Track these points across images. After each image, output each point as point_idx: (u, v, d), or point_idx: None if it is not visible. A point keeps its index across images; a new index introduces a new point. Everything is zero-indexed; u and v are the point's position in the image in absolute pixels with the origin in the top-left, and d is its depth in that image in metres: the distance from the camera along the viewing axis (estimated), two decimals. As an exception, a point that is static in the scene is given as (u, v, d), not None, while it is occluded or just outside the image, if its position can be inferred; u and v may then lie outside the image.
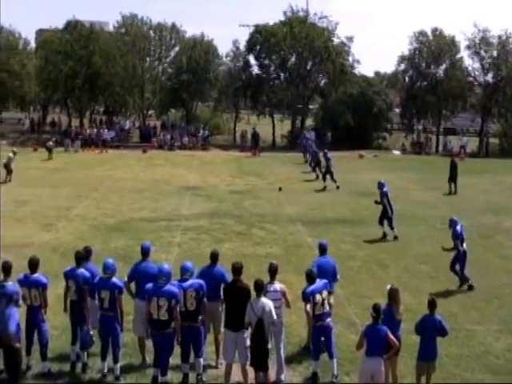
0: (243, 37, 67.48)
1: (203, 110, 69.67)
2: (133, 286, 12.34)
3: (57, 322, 13.50)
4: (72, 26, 62.43)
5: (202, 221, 24.73)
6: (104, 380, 11.64)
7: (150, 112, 69.67)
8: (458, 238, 17.02)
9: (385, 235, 22.56)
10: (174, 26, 64.06)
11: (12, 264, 11.87)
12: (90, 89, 61.69)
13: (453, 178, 32.37)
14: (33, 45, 70.01)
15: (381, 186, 22.93)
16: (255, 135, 56.00)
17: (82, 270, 12.04)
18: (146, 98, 64.69)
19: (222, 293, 11.86)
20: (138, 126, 63.75)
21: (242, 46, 63.40)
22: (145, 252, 12.62)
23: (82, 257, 12.28)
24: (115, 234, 22.27)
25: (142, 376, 11.75)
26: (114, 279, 11.70)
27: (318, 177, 35.34)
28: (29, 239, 20.96)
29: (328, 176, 32.96)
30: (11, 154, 34.00)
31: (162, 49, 64.33)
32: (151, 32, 63.91)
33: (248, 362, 11.18)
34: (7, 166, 33.24)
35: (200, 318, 11.49)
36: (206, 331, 12.02)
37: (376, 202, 23.10)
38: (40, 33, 78.46)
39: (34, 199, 28.22)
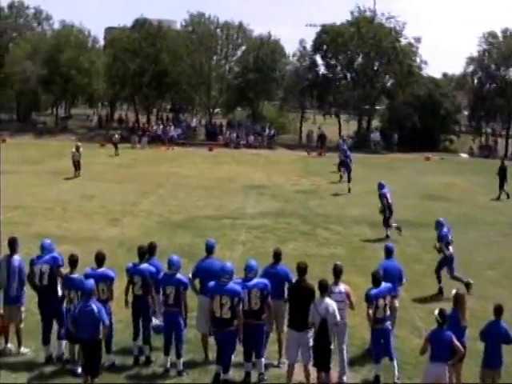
0: (310, 36, 67.42)
1: (269, 109, 69.66)
2: (197, 282, 12.39)
3: (121, 315, 13.62)
4: (140, 24, 63.31)
5: (267, 220, 24.74)
6: (167, 375, 11.72)
7: (217, 110, 70.07)
8: (442, 240, 16.72)
9: (388, 236, 22.34)
10: (241, 24, 64.33)
11: (78, 257, 12.10)
12: (157, 86, 62.41)
13: (501, 181, 31.62)
14: (101, 43, 71.21)
15: (380, 186, 22.97)
16: (322, 135, 55.82)
17: (146, 265, 12.17)
18: (212, 96, 65.11)
19: (285, 292, 11.85)
20: (204, 124, 64.19)
21: (309, 45, 63.29)
22: (209, 249, 12.66)
23: (145, 252, 12.39)
24: (180, 231, 22.47)
25: (205, 372, 11.77)
26: (179, 275, 11.77)
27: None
28: (95, 233, 21.31)
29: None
30: (74, 150, 34.42)
31: (228, 47, 64.71)
32: (218, 31, 64.28)
33: (311, 362, 11.13)
34: (74, 162, 33.74)
35: (263, 316, 11.48)
36: (269, 330, 12.03)
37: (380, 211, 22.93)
38: (108, 31, 79.71)
39: (101, 194, 28.67)
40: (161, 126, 57.64)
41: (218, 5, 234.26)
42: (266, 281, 11.46)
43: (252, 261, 11.82)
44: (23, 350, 12.61)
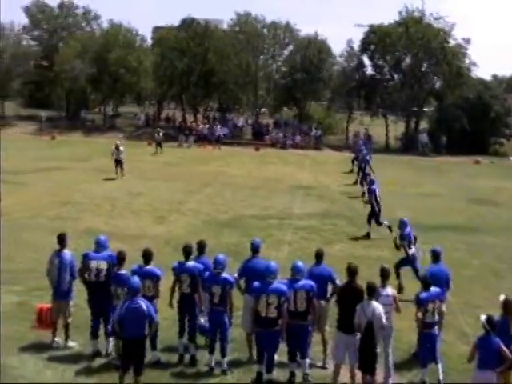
0: (357, 36, 67.02)
1: (316, 109, 69.44)
2: (242, 282, 12.43)
3: (167, 313, 13.69)
4: (187, 23, 63.61)
5: (313, 220, 24.67)
6: (211, 373, 11.75)
7: (263, 110, 70.12)
8: (404, 239, 16.84)
9: (368, 235, 22.32)
10: (288, 24, 64.26)
11: (126, 254, 12.21)
12: (204, 85, 62.68)
13: None
14: (149, 42, 71.75)
15: (371, 182, 23.24)
16: (367, 137, 55.49)
17: (194, 263, 12.22)
18: (259, 96, 65.18)
19: (328, 292, 11.97)
20: (250, 124, 64.23)
21: (356, 45, 62.89)
22: (255, 249, 12.70)
23: (191, 251, 12.41)
24: (227, 230, 22.56)
25: (249, 372, 11.76)
26: (225, 274, 11.81)
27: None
28: (142, 231, 21.50)
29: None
30: (114, 148, 33.99)
31: (275, 47, 64.68)
32: (265, 30, 64.31)
33: (357, 365, 11.07)
34: (116, 161, 33.39)
35: (309, 317, 11.45)
36: (313, 331, 12.01)
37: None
38: (156, 30, 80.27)
39: (148, 192, 28.88)
40: (207, 125, 57.86)
41: (265, 4, 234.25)
42: (312, 282, 11.44)
43: (299, 262, 11.80)
44: (70, 344, 12.78)
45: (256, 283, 11.35)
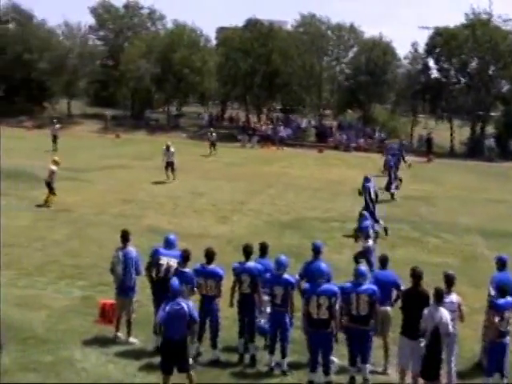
0: (422, 39, 66.16)
1: (381, 111, 68.84)
2: (303, 283, 12.35)
3: (228, 312, 13.73)
4: (252, 24, 63.79)
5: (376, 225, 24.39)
6: (271, 374, 11.74)
7: (327, 112, 69.85)
8: (362, 231, 17.45)
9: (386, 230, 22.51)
10: (352, 26, 63.91)
11: (190, 252, 12.27)
12: (268, 86, 62.78)
13: None
14: (213, 42, 72.21)
15: (366, 180, 23.33)
16: (428, 139, 54.68)
17: (254, 263, 12.25)
18: (323, 98, 64.98)
19: (392, 297, 11.87)
20: (314, 125, 64.05)
21: (422, 48, 62.07)
22: (316, 251, 12.63)
23: (251, 251, 12.43)
24: (289, 231, 22.52)
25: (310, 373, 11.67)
26: (287, 275, 11.78)
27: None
28: (205, 230, 21.63)
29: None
30: (164, 148, 32.81)
31: (339, 49, 64.42)
32: (329, 32, 64.08)
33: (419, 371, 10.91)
34: (167, 162, 32.22)
35: (371, 322, 11.33)
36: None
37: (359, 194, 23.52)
38: (220, 30, 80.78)
39: (211, 192, 29.02)
40: (271, 126, 57.91)
41: (330, 6, 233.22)
42: (374, 287, 11.35)
43: (362, 266, 11.71)
44: (132, 339, 12.92)
45: (306, 284, 11.38)
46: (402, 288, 11.83)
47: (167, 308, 10.66)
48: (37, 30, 68.70)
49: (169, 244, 12.81)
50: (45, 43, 67.06)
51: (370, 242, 17.28)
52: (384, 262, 12.27)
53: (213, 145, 45.35)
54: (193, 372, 10.96)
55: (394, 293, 12.01)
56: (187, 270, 12.02)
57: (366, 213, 18.41)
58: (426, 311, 10.71)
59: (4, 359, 11.59)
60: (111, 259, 12.98)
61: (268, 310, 12.29)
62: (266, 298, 12.28)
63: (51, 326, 13.56)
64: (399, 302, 11.68)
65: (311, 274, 11.80)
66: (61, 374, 11.54)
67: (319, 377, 11.29)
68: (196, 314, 10.94)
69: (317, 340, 11.21)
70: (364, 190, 23.13)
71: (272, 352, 11.86)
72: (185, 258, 12.19)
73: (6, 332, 12.60)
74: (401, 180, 32.25)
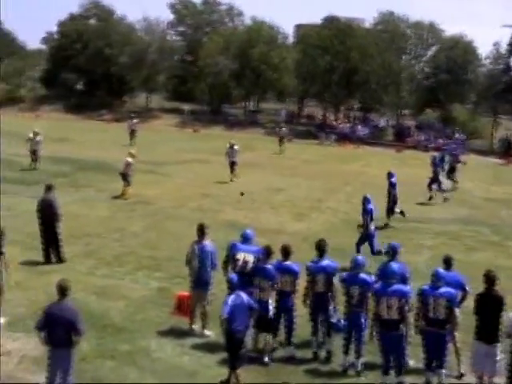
0: (505, 38, 64.59)
1: (461, 111, 67.54)
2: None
3: (303, 310, 13.69)
4: (330, 21, 63.52)
5: (454, 226, 24.01)
6: (345, 374, 11.66)
7: (405, 111, 68.97)
8: (367, 214, 17.95)
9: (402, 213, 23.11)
10: (431, 24, 62.88)
11: (272, 249, 12.28)
12: (346, 84, 62.45)
13: None
14: (291, 39, 72.19)
15: (390, 175, 23.61)
16: (509, 142, 53.40)
17: (328, 262, 12.20)
18: (401, 97, 64.16)
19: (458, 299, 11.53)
20: (392, 125, 63.36)
21: (504, 48, 60.60)
22: (393, 251, 12.46)
23: (325, 248, 12.37)
24: (365, 230, 22.23)
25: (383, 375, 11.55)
26: (363, 275, 11.67)
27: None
28: (282, 226, 21.64)
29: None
30: (228, 147, 31.77)
31: (419, 47, 63.53)
32: (408, 30, 63.21)
33: (495, 376, 10.66)
34: (232, 162, 31.16)
35: (447, 326, 11.11)
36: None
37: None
38: (299, 27, 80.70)
39: (288, 188, 28.99)
40: (348, 124, 57.57)
41: (409, 4, 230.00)
42: (453, 290, 11.11)
43: (441, 269, 11.48)
44: (206, 332, 13.01)
45: (376, 285, 11.19)
46: (468, 289, 11.69)
47: (230, 301, 10.76)
48: (117, 26, 70.26)
49: (246, 239, 12.84)
50: (125, 38, 68.49)
51: (372, 226, 18.03)
52: (448, 262, 12.01)
53: (281, 140, 44.59)
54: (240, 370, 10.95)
55: (460, 294, 11.73)
56: (269, 266, 12.00)
57: (368, 196, 18.67)
58: (505, 316, 10.46)
59: (83, 346, 11.83)
60: (187, 252, 13.10)
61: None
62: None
63: (128, 316, 13.80)
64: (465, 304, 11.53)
65: (384, 274, 11.66)
66: (137, 363, 11.73)
67: (392, 379, 11.14)
68: (254, 303, 11.07)
69: (388, 341, 11.06)
70: (391, 187, 23.41)
71: (346, 352, 11.76)
72: (267, 253, 12.18)
73: (86, 320, 12.85)
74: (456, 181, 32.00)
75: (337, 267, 12.13)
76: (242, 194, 26.04)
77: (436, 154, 32.34)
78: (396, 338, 10.98)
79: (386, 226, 22.80)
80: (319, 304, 12.15)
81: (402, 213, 23.29)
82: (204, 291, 13.01)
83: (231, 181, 30.44)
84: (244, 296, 10.90)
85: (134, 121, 44.62)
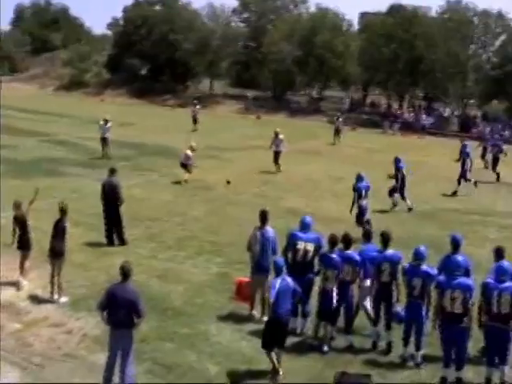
0: None
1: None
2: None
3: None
4: (395, 9, 62.77)
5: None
6: (404, 365, 11.56)
7: (471, 101, 67.71)
8: (355, 190, 19.45)
9: (394, 205, 23.00)
10: (499, 13, 61.53)
11: (338, 238, 12.24)
12: (410, 73, 61.65)
13: None
14: (356, 27, 71.62)
15: (397, 161, 23.65)
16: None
17: (393, 252, 12.07)
18: (467, 87, 63.00)
19: None
20: (457, 115, 62.30)
21: None
22: (456, 244, 12.23)
23: (389, 238, 12.21)
24: (427, 222, 21.98)
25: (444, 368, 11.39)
26: (425, 267, 11.53)
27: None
28: (343, 215, 21.42)
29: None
30: (273, 135, 30.34)
31: (486, 36, 62.18)
32: (475, 19, 61.96)
33: None
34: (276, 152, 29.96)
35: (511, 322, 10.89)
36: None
37: (389, 177, 24.14)
38: (363, 15, 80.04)
39: (349, 177, 28.53)
40: (412, 114, 56.83)
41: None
42: None
43: (505, 262, 11.24)
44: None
45: (441, 277, 11.02)
46: None
47: (277, 285, 10.79)
48: (182, 12, 70.58)
49: (304, 226, 12.78)
50: (189, 24, 68.89)
51: (364, 201, 19.13)
52: (499, 253, 11.70)
53: (337, 132, 42.46)
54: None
55: None
56: (334, 255, 11.94)
57: (363, 174, 19.88)
58: None
59: (143, 327, 11.99)
60: (249, 238, 13.13)
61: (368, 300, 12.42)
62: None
63: (188, 300, 13.92)
64: None
65: (448, 266, 11.44)
66: (196, 346, 11.83)
67: (452, 373, 10.98)
68: (298, 287, 11.14)
69: (450, 335, 10.89)
70: (398, 170, 23.54)
71: (406, 344, 11.66)
72: (332, 243, 12.12)
73: (146, 302, 13.02)
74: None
75: (402, 257, 12.00)
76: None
77: (467, 142, 31.24)
78: (459, 331, 10.81)
79: (394, 206, 23.60)
80: (383, 294, 12.05)
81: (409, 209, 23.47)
82: (264, 277, 13.03)
83: (278, 171, 29.47)
84: (289, 279, 10.95)
85: (197, 107, 44.65)
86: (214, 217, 20.87)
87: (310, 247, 12.47)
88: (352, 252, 12.15)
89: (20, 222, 14.08)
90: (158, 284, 14.78)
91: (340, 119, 43.97)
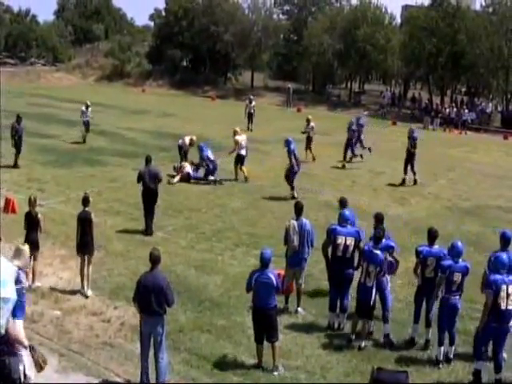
0: None
1: None
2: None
3: (402, 295, 13.52)
4: (438, 3, 61.97)
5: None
6: (440, 363, 11.42)
7: (515, 97, 66.66)
8: (290, 153, 22.25)
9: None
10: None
11: (382, 234, 12.18)
12: (452, 68, 60.78)
13: None
14: (398, 20, 70.93)
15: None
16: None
17: (439, 248, 11.97)
18: (510, 82, 62.03)
19: None
20: (500, 110, 61.36)
21: None
22: (506, 241, 12.05)
23: (437, 235, 12.10)
24: (468, 218, 21.67)
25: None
26: (464, 262, 11.44)
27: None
28: (382, 210, 21.09)
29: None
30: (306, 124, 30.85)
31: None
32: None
33: None
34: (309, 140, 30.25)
35: None
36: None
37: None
38: (406, 8, 79.33)
39: (390, 172, 28.51)
40: (454, 109, 56.11)
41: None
42: None
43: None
44: (300, 310, 13.06)
45: (496, 276, 10.73)
46: None
47: (254, 277, 10.85)
48: (223, 3, 70.51)
49: (345, 220, 12.69)
50: (230, 16, 68.80)
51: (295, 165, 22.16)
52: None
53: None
54: (278, 344, 11.02)
55: None
56: (378, 252, 11.81)
57: (290, 139, 23.19)
58: None
59: (181, 318, 12.04)
60: (285, 229, 13.10)
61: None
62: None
63: (225, 291, 13.95)
64: None
65: (499, 264, 11.24)
66: (232, 338, 11.89)
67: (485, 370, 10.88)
68: (280, 285, 11.33)
69: (497, 332, 10.69)
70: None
71: (441, 343, 11.46)
72: (377, 238, 12.05)
73: (185, 292, 13.11)
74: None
75: (446, 253, 11.85)
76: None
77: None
78: (506, 330, 10.71)
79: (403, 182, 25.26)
80: (426, 289, 11.94)
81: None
82: (300, 269, 13.06)
83: (311, 159, 29.74)
84: (271, 275, 10.90)
85: (253, 104, 40.87)
86: (252, 209, 20.87)
87: (351, 242, 12.39)
88: (387, 241, 12.16)
89: (31, 219, 13.90)
90: (196, 275, 14.84)
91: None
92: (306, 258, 13.19)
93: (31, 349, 8.41)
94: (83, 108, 31.62)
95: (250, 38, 67.90)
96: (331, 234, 12.56)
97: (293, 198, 21.59)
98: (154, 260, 10.21)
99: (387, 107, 59.28)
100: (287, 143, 23.00)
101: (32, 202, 13.88)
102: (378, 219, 12.71)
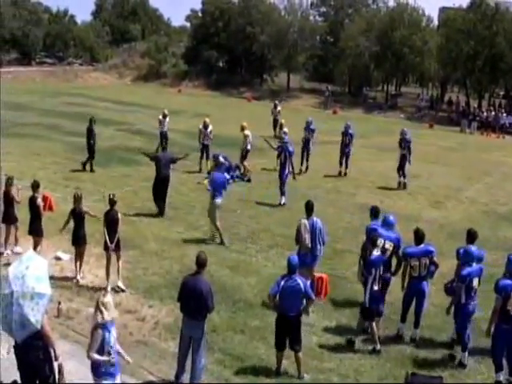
0: None
1: None
2: None
3: (438, 299, 13.39)
4: (477, 5, 61.33)
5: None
6: (476, 368, 11.38)
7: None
8: (290, 156, 21.74)
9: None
10: None
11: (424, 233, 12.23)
12: (490, 71, 60.14)
13: None
14: (435, 23, 70.36)
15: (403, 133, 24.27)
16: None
17: (480, 250, 11.96)
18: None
19: None
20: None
21: None
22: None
23: (476, 236, 12.09)
24: (505, 223, 21.44)
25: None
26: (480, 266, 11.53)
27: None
28: (417, 213, 21.22)
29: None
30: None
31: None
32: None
33: None
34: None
35: None
36: None
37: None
38: (443, 11, 78.65)
39: (426, 175, 28.31)
40: (492, 112, 55.53)
41: None
42: None
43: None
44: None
45: (506, 281, 10.66)
46: None
47: (282, 283, 10.64)
48: (259, 5, 70.64)
49: (387, 224, 12.72)
50: (266, 17, 68.90)
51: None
52: None
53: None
54: (300, 354, 10.83)
55: None
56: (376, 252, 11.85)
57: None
58: None
59: (215, 318, 12.06)
60: (297, 228, 13.39)
61: None
62: None
63: (259, 292, 13.92)
64: None
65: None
66: (266, 339, 11.85)
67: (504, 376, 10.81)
68: (311, 292, 10.99)
69: (508, 337, 10.60)
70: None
71: (465, 349, 11.46)
72: (418, 239, 12.09)
73: (219, 293, 13.12)
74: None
75: (484, 256, 11.92)
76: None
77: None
78: None
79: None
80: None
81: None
82: (310, 268, 13.35)
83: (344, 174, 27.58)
84: (301, 282, 10.67)
85: (278, 109, 39.49)
86: (287, 210, 20.83)
87: (389, 246, 12.33)
88: (427, 245, 12.19)
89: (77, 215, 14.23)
90: (230, 275, 14.87)
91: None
92: (318, 255, 13.50)
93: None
94: (160, 117, 29.03)
95: (286, 40, 67.83)
96: (371, 233, 12.54)
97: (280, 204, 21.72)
98: (201, 263, 10.15)
99: (424, 110, 58.80)
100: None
101: (77, 199, 14.11)
102: (418, 234, 12.44)
